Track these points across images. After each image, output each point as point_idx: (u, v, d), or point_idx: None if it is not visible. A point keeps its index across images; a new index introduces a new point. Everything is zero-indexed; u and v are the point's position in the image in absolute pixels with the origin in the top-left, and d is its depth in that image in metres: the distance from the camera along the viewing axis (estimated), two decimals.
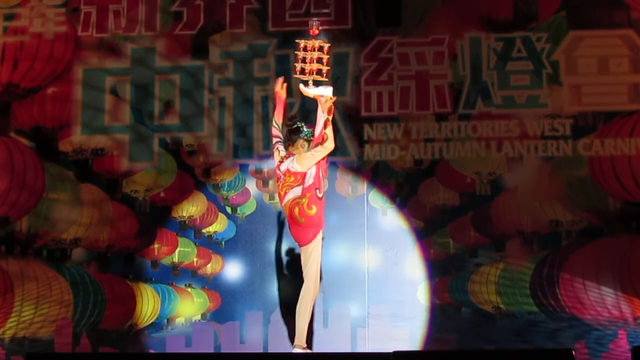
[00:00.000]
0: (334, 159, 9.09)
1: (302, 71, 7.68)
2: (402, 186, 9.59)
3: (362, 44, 9.62)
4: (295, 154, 7.78)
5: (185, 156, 9.76)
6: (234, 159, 9.69)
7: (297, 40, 7.76)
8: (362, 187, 9.57)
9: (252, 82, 9.72)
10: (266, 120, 9.63)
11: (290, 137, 7.88)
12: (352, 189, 9.59)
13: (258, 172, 9.64)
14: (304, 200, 7.63)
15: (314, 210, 7.64)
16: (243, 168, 9.72)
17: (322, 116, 7.69)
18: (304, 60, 7.69)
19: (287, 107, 9.58)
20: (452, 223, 9.55)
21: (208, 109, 9.74)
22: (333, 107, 7.68)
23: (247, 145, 9.67)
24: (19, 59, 9.88)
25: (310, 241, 7.73)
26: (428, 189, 9.57)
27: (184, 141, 9.76)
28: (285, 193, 7.73)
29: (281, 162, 7.82)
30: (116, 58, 9.86)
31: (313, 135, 7.78)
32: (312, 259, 7.73)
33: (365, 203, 9.52)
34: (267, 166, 9.61)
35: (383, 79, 9.60)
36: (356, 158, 9.58)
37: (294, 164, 7.70)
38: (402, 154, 9.56)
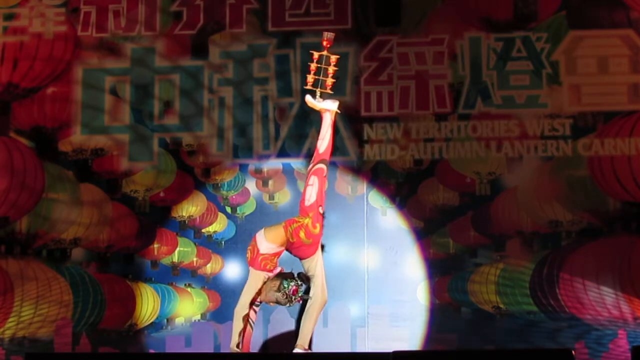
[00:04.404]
0: (334, 159, 9.05)
1: (314, 83, 7.70)
2: (401, 186, 9.58)
3: (362, 44, 9.61)
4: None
5: (185, 156, 9.76)
6: (233, 159, 9.68)
7: (311, 51, 7.79)
8: (362, 187, 9.56)
9: (252, 82, 9.71)
10: (266, 121, 9.63)
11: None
12: (351, 189, 9.58)
13: (258, 172, 9.63)
14: (307, 220, 7.60)
15: (318, 228, 7.62)
16: (243, 168, 9.71)
17: (326, 130, 7.72)
18: (316, 72, 7.72)
19: (287, 107, 9.65)
20: (452, 223, 9.53)
21: (208, 109, 9.74)
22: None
23: (247, 145, 9.66)
24: (19, 59, 9.88)
25: (313, 253, 7.72)
26: (428, 189, 9.56)
27: (184, 141, 9.75)
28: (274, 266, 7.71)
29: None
30: (116, 58, 9.86)
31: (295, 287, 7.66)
32: (317, 267, 7.71)
33: (365, 203, 9.51)
34: (266, 166, 9.62)
35: (383, 79, 9.59)
36: (356, 158, 9.56)
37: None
38: (401, 154, 9.55)
